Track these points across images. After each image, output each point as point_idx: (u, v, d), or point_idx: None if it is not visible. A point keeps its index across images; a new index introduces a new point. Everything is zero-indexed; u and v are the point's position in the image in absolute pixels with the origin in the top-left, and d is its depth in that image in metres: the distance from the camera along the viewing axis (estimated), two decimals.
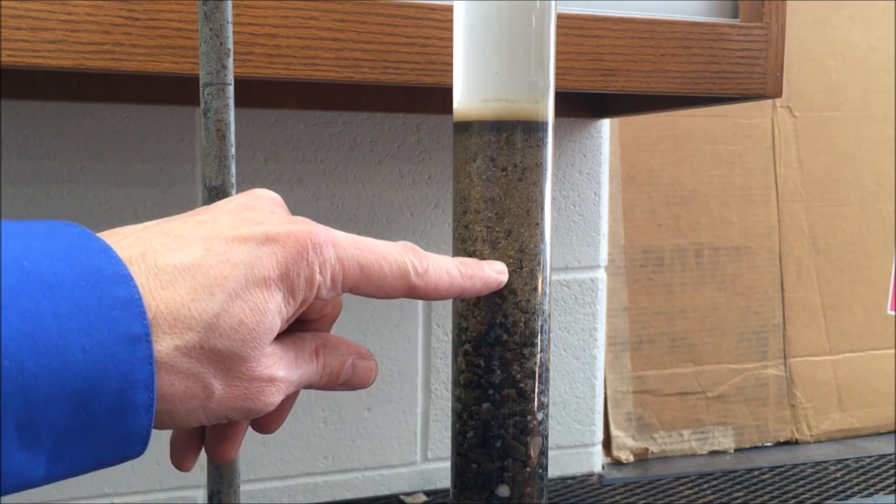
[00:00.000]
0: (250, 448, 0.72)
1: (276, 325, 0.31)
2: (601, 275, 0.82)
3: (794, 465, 0.86)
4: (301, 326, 0.35)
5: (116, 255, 0.28)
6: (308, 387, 0.35)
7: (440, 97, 0.73)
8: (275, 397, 0.32)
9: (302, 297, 0.31)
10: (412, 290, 0.34)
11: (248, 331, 0.30)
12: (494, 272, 0.38)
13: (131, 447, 0.29)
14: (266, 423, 0.37)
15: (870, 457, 0.89)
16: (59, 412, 0.26)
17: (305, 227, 0.31)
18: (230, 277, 0.29)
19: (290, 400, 0.37)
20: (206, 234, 0.30)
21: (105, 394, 0.26)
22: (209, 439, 0.36)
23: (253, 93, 0.69)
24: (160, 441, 0.72)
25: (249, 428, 0.38)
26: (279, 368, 0.32)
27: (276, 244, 0.31)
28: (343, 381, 0.35)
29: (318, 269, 0.31)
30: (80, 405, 0.26)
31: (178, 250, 0.30)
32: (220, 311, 0.29)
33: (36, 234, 0.27)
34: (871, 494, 0.78)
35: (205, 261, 0.29)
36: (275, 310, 0.30)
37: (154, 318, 0.28)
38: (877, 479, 0.82)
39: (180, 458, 0.37)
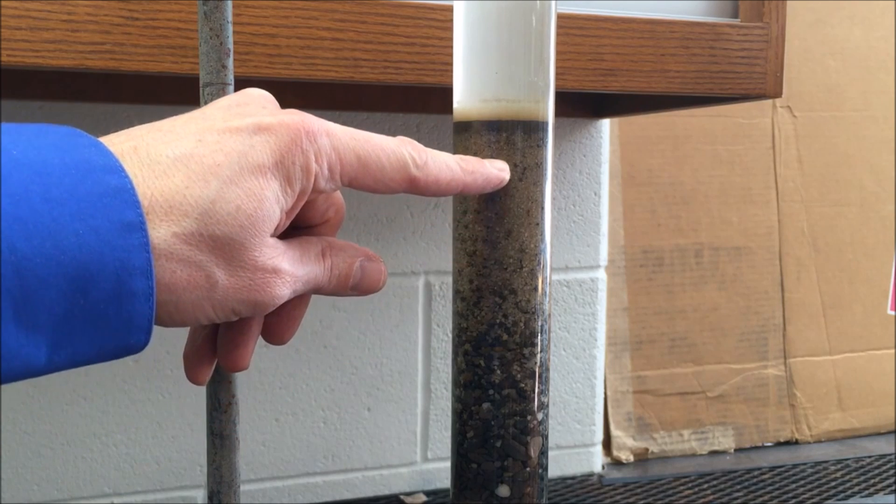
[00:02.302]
0: (250, 448, 0.72)
1: (275, 213, 0.31)
2: (601, 275, 0.82)
3: (794, 465, 0.86)
4: (306, 232, 0.36)
5: (107, 148, 0.28)
6: (318, 290, 0.35)
7: (440, 97, 0.73)
8: (281, 290, 0.32)
9: (300, 186, 0.31)
10: (413, 183, 0.34)
11: (245, 217, 0.30)
12: (496, 169, 0.37)
13: (134, 336, 0.29)
14: (278, 331, 0.37)
15: (870, 457, 0.89)
16: (57, 296, 0.26)
17: (298, 117, 0.32)
18: (223, 165, 0.30)
19: (300, 307, 0.37)
20: (198, 128, 0.31)
21: (102, 279, 0.27)
22: (221, 347, 0.36)
23: None
24: (160, 440, 0.73)
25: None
26: (283, 260, 0.32)
27: (268, 133, 0.31)
28: (353, 284, 0.36)
29: (313, 158, 0.31)
30: (78, 290, 0.26)
31: (170, 143, 0.30)
32: (215, 198, 0.29)
33: (25, 130, 0.28)
34: (871, 494, 0.78)
35: (197, 150, 0.30)
36: (272, 197, 0.30)
37: (150, 206, 0.28)
38: (877, 479, 0.82)
39: (194, 370, 0.37)
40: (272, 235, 0.31)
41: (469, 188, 0.36)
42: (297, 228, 0.36)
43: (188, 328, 0.37)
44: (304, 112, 0.32)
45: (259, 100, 0.34)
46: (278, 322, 0.37)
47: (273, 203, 0.31)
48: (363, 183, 0.33)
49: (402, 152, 0.34)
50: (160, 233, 0.28)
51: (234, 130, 0.31)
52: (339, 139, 0.32)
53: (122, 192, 0.27)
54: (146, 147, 0.29)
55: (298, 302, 0.37)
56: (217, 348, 0.36)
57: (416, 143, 0.35)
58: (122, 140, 0.30)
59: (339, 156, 0.32)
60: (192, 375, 0.37)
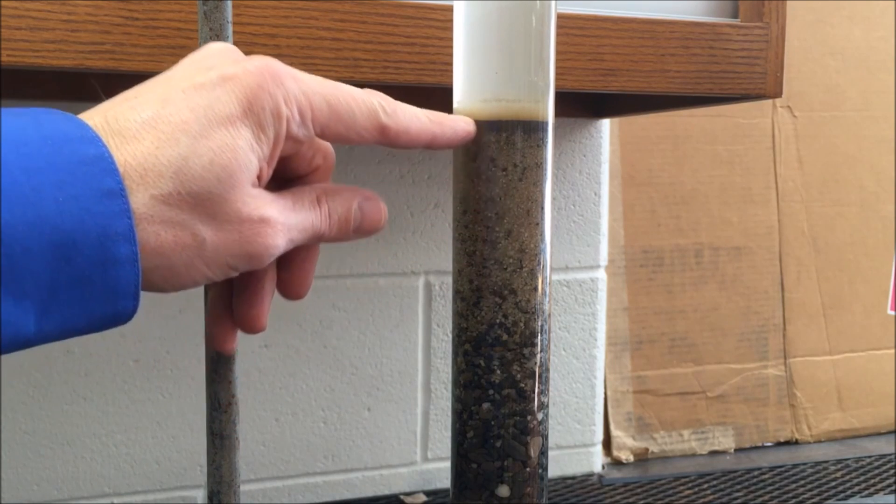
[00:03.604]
0: (250, 448, 0.72)
1: (252, 162, 0.31)
2: (601, 275, 0.82)
3: (794, 465, 0.86)
4: (298, 183, 0.36)
5: (82, 121, 0.29)
6: (320, 237, 0.34)
7: (440, 97, 0.73)
8: (273, 239, 0.32)
9: (273, 132, 0.31)
10: (384, 132, 0.34)
11: (220, 168, 0.30)
12: (462, 122, 0.37)
13: (121, 303, 0.29)
14: (293, 286, 0.37)
15: (870, 457, 0.89)
16: (42, 263, 0.26)
17: (262, 62, 0.31)
18: (191, 121, 0.30)
19: (309, 259, 0.37)
20: (163, 90, 0.31)
21: (85, 246, 0.27)
22: (237, 309, 0.36)
23: None
24: (160, 440, 0.73)
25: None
26: (271, 209, 0.32)
27: (232, 82, 0.31)
28: (354, 227, 0.35)
29: (282, 101, 0.31)
30: (62, 257, 0.27)
31: (136, 108, 0.30)
32: (187, 155, 0.29)
33: (1, 111, 0.28)
34: (871, 494, 0.78)
35: (164, 111, 0.30)
36: (245, 146, 0.30)
37: (125, 172, 0.28)
38: (877, 479, 0.82)
39: (219, 340, 0.37)
40: (256, 186, 0.31)
41: (438, 139, 0.36)
42: (289, 181, 0.36)
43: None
44: (269, 57, 0.32)
45: (222, 52, 0.33)
46: (290, 277, 0.37)
47: (248, 152, 0.30)
48: (335, 130, 0.33)
49: (372, 101, 0.34)
50: (139, 197, 0.28)
51: (198, 86, 0.31)
52: (307, 84, 0.32)
53: (99, 161, 0.28)
54: (115, 116, 0.30)
55: (307, 254, 0.37)
56: (234, 312, 0.36)
57: (383, 94, 0.35)
58: (92, 114, 0.30)
59: (309, 100, 0.32)
60: (219, 344, 0.37)
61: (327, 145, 0.37)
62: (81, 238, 0.27)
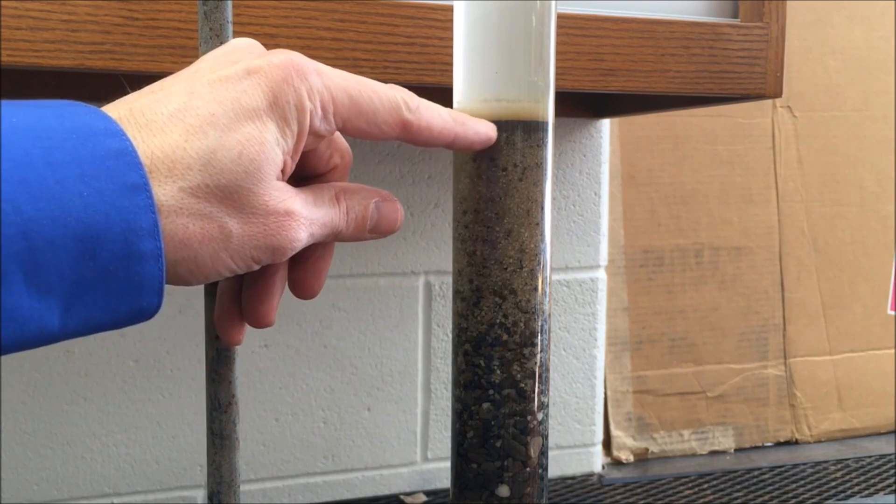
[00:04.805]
0: (250, 448, 0.72)
1: (278, 156, 0.31)
2: (601, 275, 0.82)
3: (794, 465, 0.86)
4: (316, 181, 0.36)
5: (106, 114, 0.29)
6: (337, 235, 0.35)
7: (440, 97, 0.73)
8: (297, 232, 0.32)
9: (297, 126, 0.31)
10: (406, 127, 0.34)
11: (248, 161, 0.30)
12: (485, 125, 0.37)
13: (146, 298, 0.29)
14: (306, 284, 0.37)
15: (870, 457, 0.89)
16: (66, 258, 0.26)
17: (286, 56, 0.31)
18: (218, 114, 0.30)
19: (324, 258, 0.37)
20: (189, 83, 0.31)
21: (109, 241, 0.27)
22: (246, 304, 0.36)
23: None
24: (160, 440, 0.73)
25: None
26: (295, 202, 0.32)
27: (258, 75, 0.31)
28: (371, 226, 0.35)
29: (306, 95, 0.31)
30: (86, 252, 0.26)
31: (162, 101, 0.30)
32: (215, 147, 0.29)
33: (23, 103, 0.28)
34: (871, 494, 0.78)
35: (191, 103, 0.30)
36: (272, 140, 0.30)
37: (152, 164, 0.28)
38: (877, 479, 0.82)
39: (227, 332, 0.37)
40: (280, 180, 0.31)
41: (459, 139, 0.36)
42: (306, 179, 0.36)
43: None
44: (293, 51, 0.32)
45: (246, 47, 0.33)
46: (304, 275, 0.37)
47: (273, 145, 0.30)
48: (357, 125, 0.33)
49: (395, 95, 0.34)
50: (166, 189, 0.28)
51: (224, 79, 0.31)
52: (329, 78, 0.32)
53: (124, 155, 0.27)
54: (140, 108, 0.29)
55: (322, 252, 0.37)
56: (243, 307, 0.36)
57: (407, 90, 0.35)
58: (117, 106, 0.30)
59: (332, 94, 0.32)
60: (227, 337, 0.37)
61: (345, 144, 0.37)
62: (105, 233, 0.27)
